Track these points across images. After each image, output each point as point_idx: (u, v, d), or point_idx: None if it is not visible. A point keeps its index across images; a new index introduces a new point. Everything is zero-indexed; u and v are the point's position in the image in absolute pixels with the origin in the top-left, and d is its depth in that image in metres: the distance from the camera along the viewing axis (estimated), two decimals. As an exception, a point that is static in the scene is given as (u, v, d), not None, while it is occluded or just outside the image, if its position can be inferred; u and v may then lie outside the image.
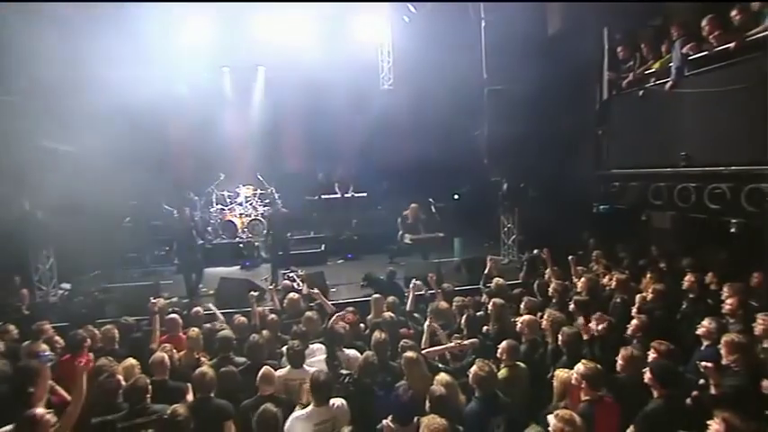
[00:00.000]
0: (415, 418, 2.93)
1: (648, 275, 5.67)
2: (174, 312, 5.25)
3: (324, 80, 10.70)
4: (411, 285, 5.72)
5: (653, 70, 6.38)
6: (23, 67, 7.60)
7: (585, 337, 4.11)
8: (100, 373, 3.81)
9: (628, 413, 3.13)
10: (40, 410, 2.92)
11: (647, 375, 3.18)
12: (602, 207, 7.38)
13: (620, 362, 3.54)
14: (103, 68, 8.26)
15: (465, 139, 10.13)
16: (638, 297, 4.85)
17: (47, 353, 3.68)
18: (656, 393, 3.15)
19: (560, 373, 3.47)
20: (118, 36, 8.68)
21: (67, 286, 8.41)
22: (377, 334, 4.08)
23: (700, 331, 3.85)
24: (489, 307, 4.93)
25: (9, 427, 2.82)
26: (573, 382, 3.24)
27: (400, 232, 9.46)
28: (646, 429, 2.99)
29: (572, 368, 3.36)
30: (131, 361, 4.02)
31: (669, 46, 6.11)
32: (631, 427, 3.02)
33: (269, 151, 11.67)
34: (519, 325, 4.43)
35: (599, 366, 3.22)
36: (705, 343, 3.80)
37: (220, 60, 11.33)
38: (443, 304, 4.82)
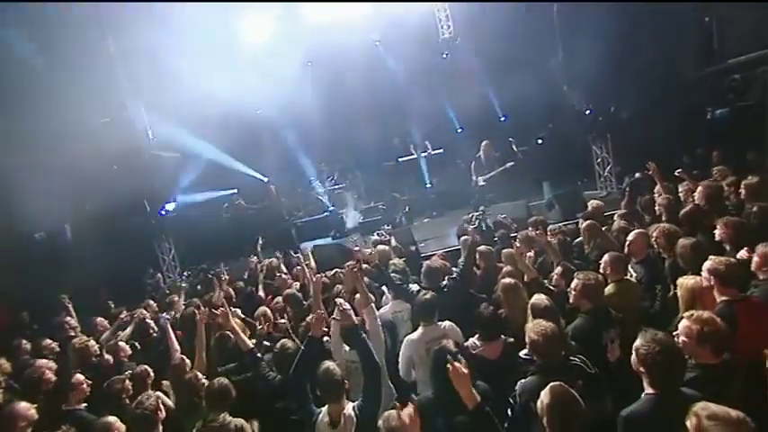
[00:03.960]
0: (501, 336, 2.85)
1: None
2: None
3: (381, 48, 10.56)
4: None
5: None
6: (129, 87, 8.65)
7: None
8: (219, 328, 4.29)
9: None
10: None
11: None
12: (717, 112, 6.24)
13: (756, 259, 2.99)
14: (192, 80, 9.00)
15: (539, 72, 9.30)
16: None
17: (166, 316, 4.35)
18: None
19: (685, 281, 3.03)
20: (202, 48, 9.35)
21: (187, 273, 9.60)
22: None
23: None
24: (581, 230, 4.55)
25: None
26: (704, 283, 2.83)
27: (473, 177, 8.78)
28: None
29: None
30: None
31: None
32: None
33: (342, 128, 11.87)
34: (628, 245, 3.98)
35: (732, 260, 2.77)
36: None
37: (280, 49, 11.57)
38: (533, 232, 4.53)
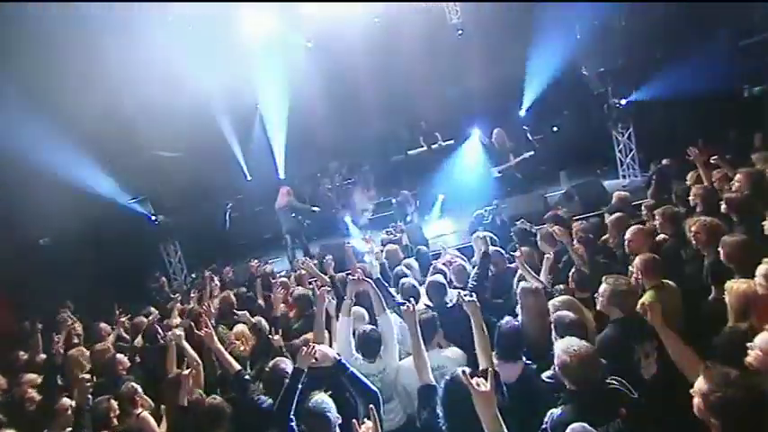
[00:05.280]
0: (522, 358, 2.55)
1: None
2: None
3: (386, 35, 10.10)
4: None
5: None
6: (126, 90, 8.40)
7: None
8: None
9: None
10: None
11: None
12: (755, 89, 5.64)
13: None
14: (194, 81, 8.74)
15: (555, 54, 8.73)
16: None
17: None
18: None
19: (736, 285, 2.59)
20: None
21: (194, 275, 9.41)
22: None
23: None
24: (608, 224, 4.13)
25: None
26: (760, 290, 2.39)
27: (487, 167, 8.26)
28: None
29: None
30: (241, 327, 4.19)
31: None
32: None
33: (348, 121, 11.49)
34: (627, 244, 3.57)
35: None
36: None
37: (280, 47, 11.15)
38: (554, 229, 4.11)
